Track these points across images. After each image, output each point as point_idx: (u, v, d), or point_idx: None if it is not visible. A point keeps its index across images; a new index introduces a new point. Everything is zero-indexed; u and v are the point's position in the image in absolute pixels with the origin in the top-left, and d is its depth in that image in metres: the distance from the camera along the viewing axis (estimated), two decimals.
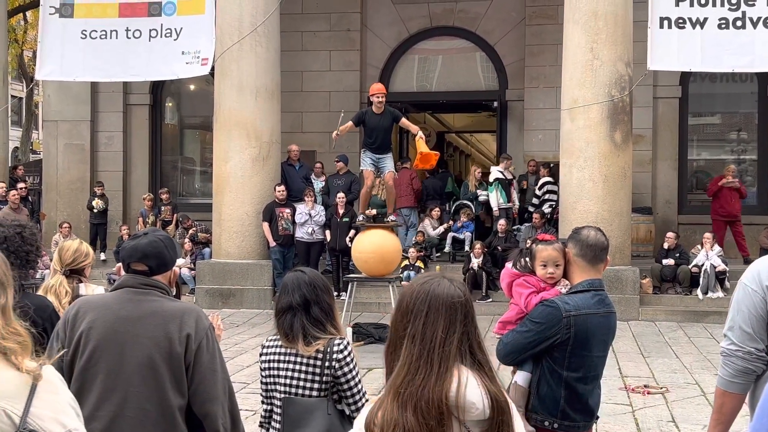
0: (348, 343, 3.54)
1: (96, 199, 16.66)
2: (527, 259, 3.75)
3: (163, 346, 3.04)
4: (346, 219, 14.13)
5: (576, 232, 3.71)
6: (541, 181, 15.90)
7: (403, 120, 11.73)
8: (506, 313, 3.84)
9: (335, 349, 3.50)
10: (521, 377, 3.66)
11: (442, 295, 2.33)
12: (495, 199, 15.35)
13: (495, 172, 15.50)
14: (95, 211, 16.60)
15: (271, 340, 3.68)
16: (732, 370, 3.25)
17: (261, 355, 3.68)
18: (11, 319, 2.14)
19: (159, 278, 3.21)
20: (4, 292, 2.15)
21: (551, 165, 15.97)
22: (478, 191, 16.05)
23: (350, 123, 11.54)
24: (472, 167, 16.83)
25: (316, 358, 3.50)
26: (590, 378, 3.63)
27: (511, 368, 3.78)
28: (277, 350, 3.60)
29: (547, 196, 15.86)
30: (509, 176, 15.62)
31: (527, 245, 12.18)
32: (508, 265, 3.86)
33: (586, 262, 3.64)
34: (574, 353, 3.55)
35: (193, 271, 14.68)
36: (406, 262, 14.01)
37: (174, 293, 3.40)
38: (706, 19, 13.19)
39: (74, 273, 4.26)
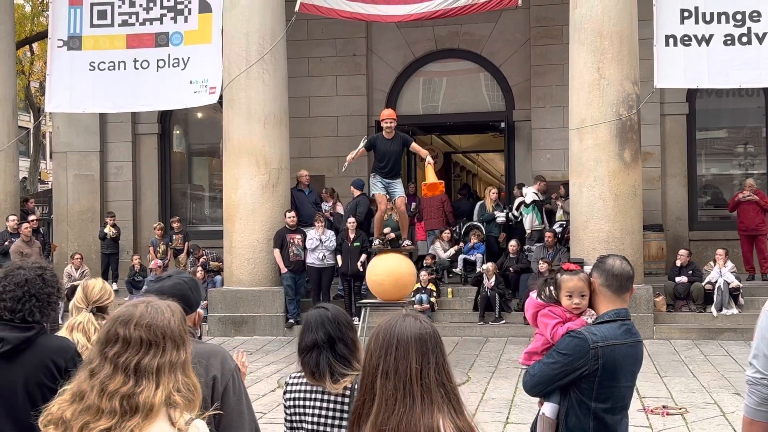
0: None
1: (108, 226, 16.71)
2: (552, 288, 3.73)
3: None
4: (357, 243, 14.14)
5: (601, 262, 3.69)
6: (517, 201, 16.13)
7: (414, 144, 11.77)
8: (532, 343, 3.82)
9: None
10: (549, 409, 3.63)
11: (409, 328, 2.34)
12: (530, 221, 15.31)
13: (531, 194, 15.42)
14: (108, 238, 16.62)
15: (294, 378, 3.64)
16: (758, 398, 3.23)
17: (285, 393, 3.64)
18: (190, 374, 2.34)
19: None
20: (184, 348, 2.35)
21: (522, 185, 16.20)
22: (495, 212, 15.99)
23: (362, 148, 11.57)
24: (488, 188, 16.65)
25: (344, 396, 3.47)
26: (618, 408, 3.60)
27: (538, 399, 3.76)
28: (303, 388, 3.56)
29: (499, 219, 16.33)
30: (542, 198, 15.62)
31: (539, 267, 12.11)
32: (533, 295, 3.84)
33: (611, 291, 3.62)
34: (602, 384, 3.52)
35: (204, 301, 14.69)
36: (417, 285, 13.98)
37: (198, 335, 3.40)
38: (711, 35, 13.23)
39: (99, 311, 4.26)
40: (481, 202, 16.68)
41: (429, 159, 11.58)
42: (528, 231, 15.42)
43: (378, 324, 2.45)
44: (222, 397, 3.06)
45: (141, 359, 2.26)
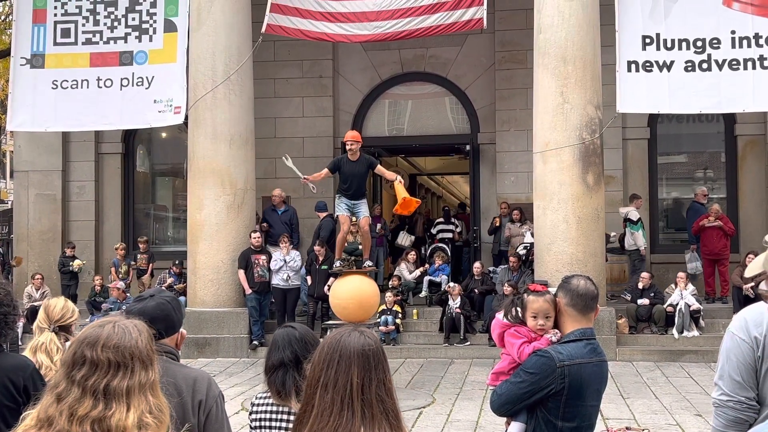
0: None
1: (75, 261, 16.34)
2: (518, 309, 3.76)
3: (176, 415, 3.00)
4: (325, 266, 14.10)
5: (566, 282, 3.73)
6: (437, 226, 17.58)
7: (379, 167, 11.82)
8: (499, 363, 3.84)
9: None
10: (516, 429, 3.64)
11: (353, 343, 2.38)
12: (641, 239, 15.25)
13: (636, 213, 15.32)
14: (73, 271, 16.28)
15: (261, 398, 3.62)
16: (724, 420, 3.26)
17: (251, 413, 3.62)
18: (159, 395, 2.29)
19: (167, 341, 3.17)
20: (152, 368, 2.29)
21: (445, 207, 17.08)
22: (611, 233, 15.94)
23: (326, 170, 11.58)
24: None
25: None
26: (585, 428, 3.62)
27: (505, 420, 3.77)
28: (269, 408, 3.54)
29: (440, 235, 17.49)
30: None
31: (504, 290, 12.12)
32: (499, 315, 3.87)
33: (577, 311, 3.66)
34: (569, 403, 3.55)
35: None
36: (383, 306, 13.98)
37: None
38: (672, 62, 13.46)
39: (62, 330, 4.20)
40: None
41: (399, 178, 11.63)
42: (641, 248, 15.25)
43: (326, 336, 2.49)
44: (204, 424, 3.03)
45: (110, 381, 2.21)
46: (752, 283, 13.03)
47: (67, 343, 4.16)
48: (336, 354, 2.36)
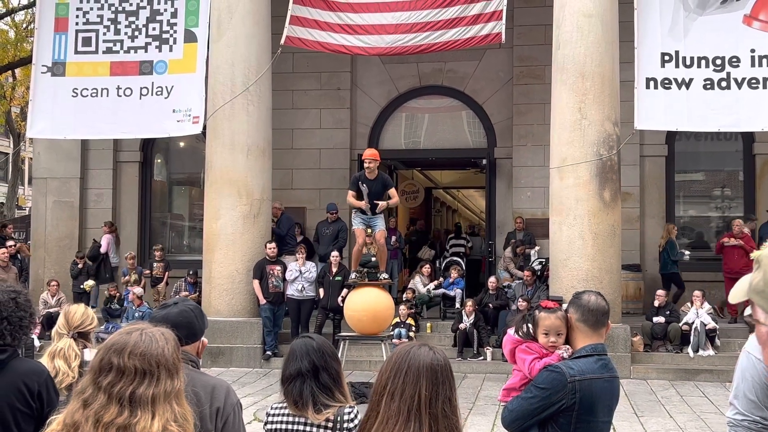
0: (358, 411, 3.49)
1: (88, 281, 16.39)
2: (530, 325, 3.75)
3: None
4: (339, 278, 14.11)
5: (577, 297, 3.72)
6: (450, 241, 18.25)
7: (392, 190, 11.82)
8: (510, 379, 3.83)
9: (345, 417, 3.46)
10: None
11: (423, 356, 2.42)
12: None
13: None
14: (86, 291, 16.35)
15: (277, 408, 3.62)
16: None
17: (266, 423, 3.61)
18: (183, 404, 2.30)
19: (188, 349, 3.19)
20: (178, 376, 2.31)
21: (456, 223, 18.06)
22: (684, 251, 15.87)
23: (352, 193, 11.66)
24: (669, 225, 15.95)
25: (326, 427, 3.45)
26: None
27: None
28: (286, 418, 3.54)
29: (453, 249, 18.02)
30: None
31: (518, 305, 12.12)
32: (510, 331, 3.86)
33: (588, 327, 3.65)
34: (580, 419, 3.53)
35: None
36: (396, 319, 13.96)
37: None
38: (691, 79, 13.41)
39: (80, 336, 4.23)
40: (669, 239, 15.82)
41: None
42: None
43: (397, 347, 2.54)
44: (221, 431, 3.05)
45: (136, 389, 2.22)
46: None
47: (85, 350, 4.20)
48: (405, 364, 2.39)
